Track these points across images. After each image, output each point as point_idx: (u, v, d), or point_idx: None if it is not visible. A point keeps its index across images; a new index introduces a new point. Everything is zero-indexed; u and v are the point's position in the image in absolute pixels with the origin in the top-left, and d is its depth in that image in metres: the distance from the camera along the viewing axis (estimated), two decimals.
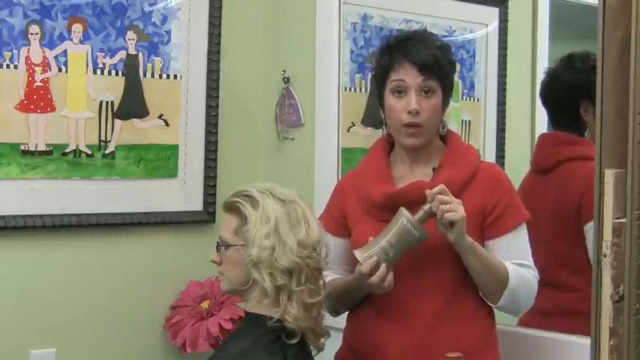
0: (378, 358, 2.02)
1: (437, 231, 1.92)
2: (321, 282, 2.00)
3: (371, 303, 2.05)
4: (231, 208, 2.01)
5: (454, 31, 2.80)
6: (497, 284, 1.96)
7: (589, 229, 2.19)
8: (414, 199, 1.96)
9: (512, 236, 2.01)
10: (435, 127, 2.04)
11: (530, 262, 2.02)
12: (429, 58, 2.00)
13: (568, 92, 2.40)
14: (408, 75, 2.00)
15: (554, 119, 2.48)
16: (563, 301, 2.29)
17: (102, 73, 2.60)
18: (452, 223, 1.88)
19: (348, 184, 2.16)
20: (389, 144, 2.13)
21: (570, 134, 2.40)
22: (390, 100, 2.03)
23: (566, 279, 2.30)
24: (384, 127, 2.12)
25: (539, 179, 2.43)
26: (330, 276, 2.08)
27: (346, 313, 2.15)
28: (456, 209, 1.88)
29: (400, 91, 2.01)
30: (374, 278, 1.91)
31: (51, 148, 2.53)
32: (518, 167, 2.51)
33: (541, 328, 2.22)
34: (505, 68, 2.81)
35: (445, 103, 2.06)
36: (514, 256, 1.99)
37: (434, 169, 2.04)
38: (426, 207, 1.90)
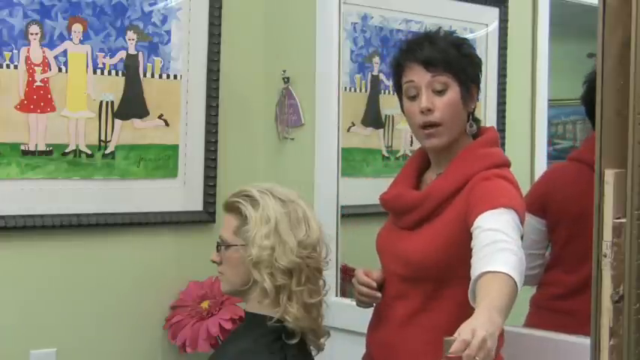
0: (376, 356, 2.02)
1: (424, 248, 1.86)
2: (321, 282, 2.00)
3: (379, 305, 2.04)
4: (232, 208, 2.01)
5: (454, 31, 2.80)
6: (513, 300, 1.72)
7: None
8: (394, 208, 2.00)
9: (489, 213, 1.74)
10: (456, 124, 1.94)
11: (510, 233, 1.70)
12: (434, 54, 1.93)
13: None
14: (416, 75, 1.94)
15: None
16: None
17: (102, 73, 2.60)
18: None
19: None
20: None
21: None
22: (406, 104, 1.98)
23: None
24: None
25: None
26: None
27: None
28: None
29: (414, 95, 1.94)
30: (363, 288, 1.96)
31: (51, 148, 2.53)
32: (518, 167, 2.50)
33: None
34: (505, 68, 2.81)
35: (466, 98, 1.95)
36: (489, 225, 1.71)
37: (438, 176, 1.98)
38: None
